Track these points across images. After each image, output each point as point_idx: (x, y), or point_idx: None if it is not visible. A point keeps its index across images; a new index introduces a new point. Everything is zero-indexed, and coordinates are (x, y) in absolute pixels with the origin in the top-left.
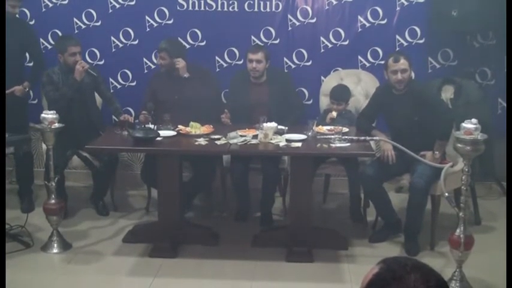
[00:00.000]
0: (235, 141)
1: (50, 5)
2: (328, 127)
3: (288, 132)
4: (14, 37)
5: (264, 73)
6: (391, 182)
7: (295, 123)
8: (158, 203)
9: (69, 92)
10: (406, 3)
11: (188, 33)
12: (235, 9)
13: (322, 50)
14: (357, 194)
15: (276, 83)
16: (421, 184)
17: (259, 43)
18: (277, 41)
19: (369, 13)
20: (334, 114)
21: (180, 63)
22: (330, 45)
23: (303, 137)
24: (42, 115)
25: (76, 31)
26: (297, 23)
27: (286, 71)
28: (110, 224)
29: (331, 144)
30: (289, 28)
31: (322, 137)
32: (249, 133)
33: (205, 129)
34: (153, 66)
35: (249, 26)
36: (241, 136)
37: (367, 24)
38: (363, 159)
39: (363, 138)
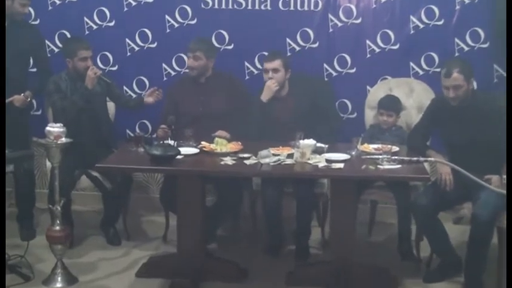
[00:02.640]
0: (267, 160)
1: (58, 2)
2: (375, 146)
3: (329, 151)
4: (16, 40)
5: (284, 84)
6: (449, 211)
7: (329, 137)
8: (177, 232)
9: (79, 102)
10: (467, 1)
11: (214, 35)
12: (268, 7)
13: (368, 56)
14: (407, 226)
15: (303, 95)
16: (486, 215)
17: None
18: (315, 45)
19: (423, 12)
20: None
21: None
22: (377, 50)
23: (345, 156)
24: (47, 128)
25: (87, 32)
26: (339, 24)
27: (326, 79)
28: (122, 255)
29: (379, 166)
30: (330, 30)
31: (368, 157)
32: (283, 151)
33: (233, 146)
34: (173, 73)
35: (283, 27)
36: (274, 155)
37: (421, 26)
38: (415, 183)
39: (415, 159)
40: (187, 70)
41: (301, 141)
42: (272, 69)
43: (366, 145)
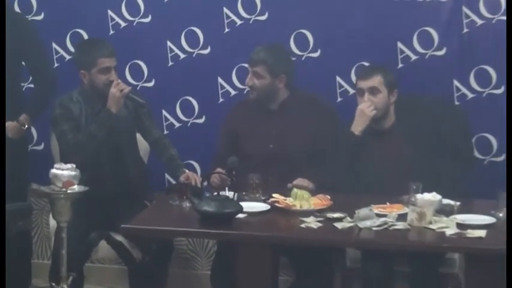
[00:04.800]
0: (368, 224)
1: None
2: None
3: (461, 211)
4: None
5: (387, 111)
6: None
7: (461, 190)
8: None
9: (98, 133)
10: None
11: (292, 37)
12: None
13: None
14: None
15: (419, 127)
16: None
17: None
18: (441, 52)
19: None
20: None
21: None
22: None
23: (488, 220)
24: (53, 171)
25: (111, 32)
26: (479, 22)
27: (457, 103)
28: None
29: None
30: (465, 29)
31: None
32: (391, 211)
33: (318, 201)
34: (233, 92)
35: (394, 25)
36: (378, 216)
37: None
38: None
39: None
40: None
41: (418, 196)
42: (369, 89)
43: None
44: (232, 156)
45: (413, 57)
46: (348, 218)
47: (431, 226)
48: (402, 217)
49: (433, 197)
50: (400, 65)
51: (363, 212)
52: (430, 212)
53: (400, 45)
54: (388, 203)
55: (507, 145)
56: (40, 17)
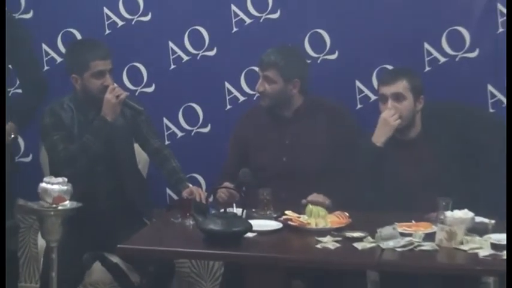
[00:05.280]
0: (391, 244)
1: None
2: None
3: (496, 229)
4: None
5: (413, 119)
6: None
7: (496, 206)
8: None
9: (93, 144)
10: None
11: (307, 37)
12: None
13: None
14: None
15: (448, 137)
16: None
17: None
18: (473, 53)
19: None
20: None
21: None
22: None
23: None
24: (42, 185)
25: (107, 31)
26: None
27: (491, 110)
28: None
29: None
30: (500, 29)
31: None
32: (417, 230)
33: (336, 219)
34: (241, 98)
35: (420, 22)
36: (402, 235)
37: None
38: None
39: None
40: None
41: (448, 213)
42: (392, 95)
43: None
44: (244, 168)
45: (442, 59)
46: (369, 238)
47: (462, 247)
48: (430, 237)
49: (464, 214)
50: (427, 68)
51: (385, 231)
52: (461, 231)
53: (427, 46)
54: (413, 221)
55: (507, 147)
56: (29, 15)
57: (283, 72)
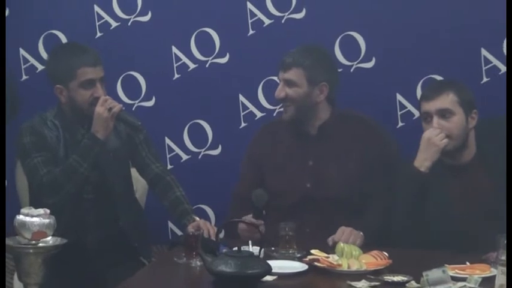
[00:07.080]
0: None
1: None
2: None
3: None
4: None
5: (465, 140)
6: None
7: None
8: None
9: (81, 167)
10: None
11: (337, 41)
12: None
13: None
14: None
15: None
16: None
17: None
18: None
19: None
20: None
21: None
22: None
23: None
24: (20, 217)
25: (99, 34)
26: None
27: None
28: None
29: None
30: None
31: None
32: (472, 272)
33: (372, 259)
34: (258, 115)
35: (476, 27)
36: (453, 279)
37: None
38: None
39: None
40: (281, 109)
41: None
42: (438, 112)
43: None
44: (257, 189)
45: (503, 68)
46: (413, 283)
47: None
48: (488, 281)
49: None
50: (485, 79)
51: (433, 274)
52: None
53: (484, 52)
54: (468, 263)
55: (507, 148)
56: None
57: (309, 73)
